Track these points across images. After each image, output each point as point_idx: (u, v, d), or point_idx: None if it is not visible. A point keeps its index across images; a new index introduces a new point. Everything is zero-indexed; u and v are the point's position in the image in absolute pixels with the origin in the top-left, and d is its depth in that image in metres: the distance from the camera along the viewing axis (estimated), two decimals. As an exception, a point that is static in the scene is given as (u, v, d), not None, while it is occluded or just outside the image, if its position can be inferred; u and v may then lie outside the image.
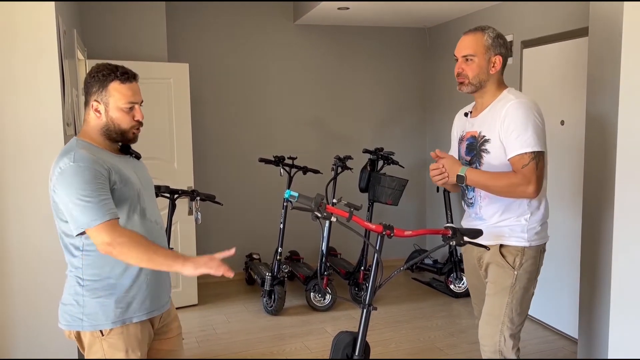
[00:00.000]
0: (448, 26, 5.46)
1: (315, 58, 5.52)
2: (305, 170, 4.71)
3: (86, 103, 1.95)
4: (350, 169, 4.83)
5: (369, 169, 4.71)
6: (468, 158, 2.50)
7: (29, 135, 2.52)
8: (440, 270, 4.98)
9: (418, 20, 5.41)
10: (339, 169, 4.77)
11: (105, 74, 1.91)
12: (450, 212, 4.89)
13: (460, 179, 2.36)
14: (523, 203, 2.40)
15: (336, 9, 4.75)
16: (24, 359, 2.58)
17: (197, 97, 5.11)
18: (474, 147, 2.47)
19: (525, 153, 2.28)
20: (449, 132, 5.98)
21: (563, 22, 3.94)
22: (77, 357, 2.68)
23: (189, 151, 4.58)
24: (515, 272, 2.39)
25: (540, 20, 4.14)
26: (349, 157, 4.79)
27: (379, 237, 2.22)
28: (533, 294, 2.50)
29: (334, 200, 4.60)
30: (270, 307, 4.44)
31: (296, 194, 2.11)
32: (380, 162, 4.78)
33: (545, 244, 2.50)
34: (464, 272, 4.85)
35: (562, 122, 3.93)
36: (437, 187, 5.22)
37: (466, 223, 2.61)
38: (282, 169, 4.72)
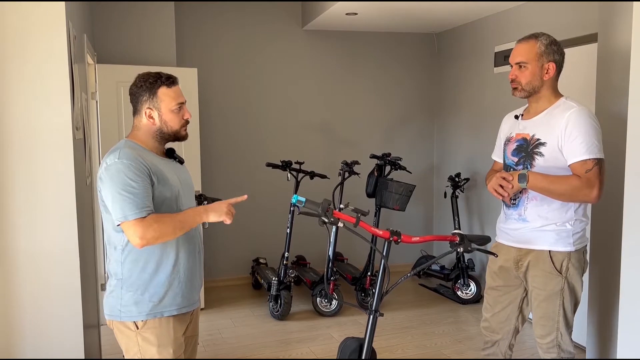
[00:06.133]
0: (456, 32, 5.45)
1: (323, 63, 5.53)
2: (312, 175, 4.71)
3: (136, 111, 2.08)
4: (358, 174, 4.82)
5: (376, 174, 4.70)
6: (515, 159, 2.53)
7: (39, 138, 2.55)
8: (448, 277, 4.95)
9: (426, 25, 5.41)
10: (346, 174, 4.77)
11: (152, 82, 2.04)
12: (458, 218, 4.86)
13: (523, 177, 2.36)
14: (570, 208, 2.44)
15: (344, 14, 4.76)
16: (31, 359, 2.60)
17: (205, 101, 5.13)
18: (524, 149, 2.50)
19: (589, 159, 2.33)
20: (456, 138, 5.95)
21: (571, 28, 3.92)
22: (83, 357, 2.69)
23: (197, 155, 4.59)
24: (564, 277, 2.45)
25: (549, 26, 4.13)
26: (356, 162, 4.79)
27: (386, 243, 2.22)
28: (582, 285, 2.53)
29: (341, 206, 4.59)
30: (277, 311, 4.43)
31: (303, 199, 2.11)
32: (388, 168, 4.77)
33: (586, 245, 2.55)
34: (471, 279, 4.83)
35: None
36: (445, 193, 5.20)
37: (504, 225, 2.61)
38: (289, 174, 4.72)
